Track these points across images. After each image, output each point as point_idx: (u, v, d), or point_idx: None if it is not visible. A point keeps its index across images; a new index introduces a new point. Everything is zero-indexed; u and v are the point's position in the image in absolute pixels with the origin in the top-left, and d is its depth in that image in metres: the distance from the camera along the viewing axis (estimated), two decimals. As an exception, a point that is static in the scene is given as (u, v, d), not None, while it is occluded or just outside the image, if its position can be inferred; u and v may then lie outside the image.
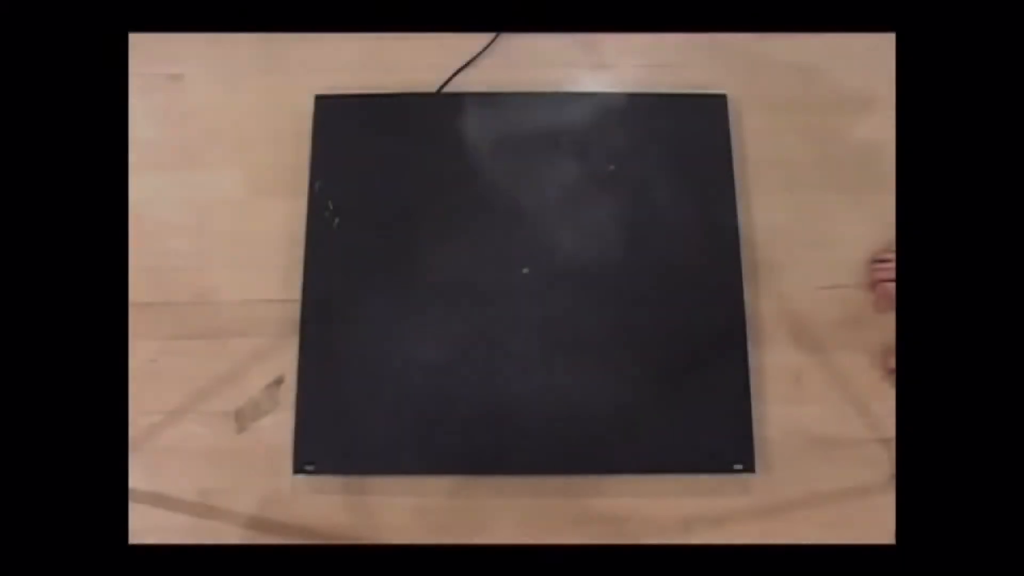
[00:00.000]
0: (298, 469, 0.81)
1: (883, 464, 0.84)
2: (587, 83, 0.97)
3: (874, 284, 0.88)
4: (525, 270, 0.86)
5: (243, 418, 0.86)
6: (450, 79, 0.96)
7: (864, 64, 0.96)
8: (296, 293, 0.86)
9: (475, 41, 0.96)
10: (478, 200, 0.88)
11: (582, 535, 0.82)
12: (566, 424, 0.82)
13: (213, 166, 0.94)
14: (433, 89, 0.95)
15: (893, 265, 0.86)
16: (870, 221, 0.90)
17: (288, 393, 0.85)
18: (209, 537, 0.82)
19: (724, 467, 0.81)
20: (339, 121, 0.91)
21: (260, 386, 0.86)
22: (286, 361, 0.86)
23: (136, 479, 0.84)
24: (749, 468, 0.81)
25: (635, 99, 0.92)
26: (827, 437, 0.85)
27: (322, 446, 0.82)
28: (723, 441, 0.82)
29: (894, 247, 0.87)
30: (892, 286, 0.85)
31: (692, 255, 0.87)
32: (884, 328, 0.87)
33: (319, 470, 0.82)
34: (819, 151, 0.94)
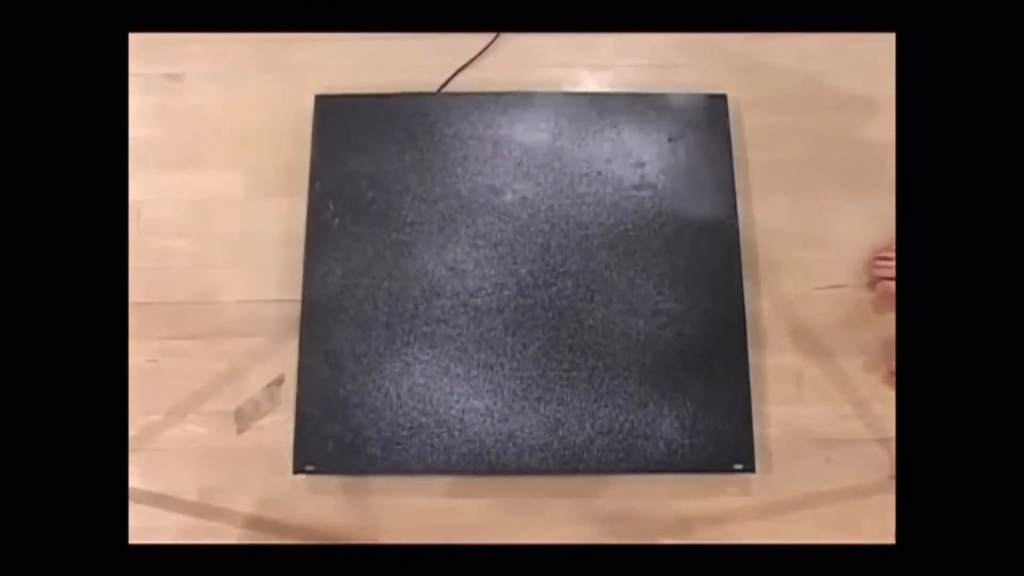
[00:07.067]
0: (298, 469, 0.81)
1: (883, 464, 0.84)
2: (587, 83, 0.97)
3: (874, 281, 0.88)
4: (524, 270, 0.86)
5: (243, 418, 0.86)
6: (450, 79, 0.96)
7: (864, 64, 0.96)
8: (296, 293, 0.86)
9: (475, 41, 0.96)
10: (478, 200, 0.88)
11: (582, 535, 0.82)
12: (566, 424, 0.82)
13: (213, 166, 0.94)
14: (433, 89, 0.95)
15: (894, 263, 0.86)
16: (870, 221, 0.90)
17: (288, 393, 0.85)
18: (208, 537, 0.82)
19: (724, 467, 0.81)
20: (339, 121, 0.91)
21: (260, 386, 0.86)
22: (286, 361, 0.86)
23: (136, 479, 0.84)
24: (749, 468, 0.81)
25: (635, 99, 0.92)
26: (827, 437, 0.85)
27: (322, 446, 0.82)
28: (723, 441, 0.82)
29: (894, 246, 0.87)
30: (892, 284, 0.85)
31: (692, 255, 0.87)
32: (884, 328, 0.87)
33: (319, 470, 0.82)
34: (819, 151, 0.94)
